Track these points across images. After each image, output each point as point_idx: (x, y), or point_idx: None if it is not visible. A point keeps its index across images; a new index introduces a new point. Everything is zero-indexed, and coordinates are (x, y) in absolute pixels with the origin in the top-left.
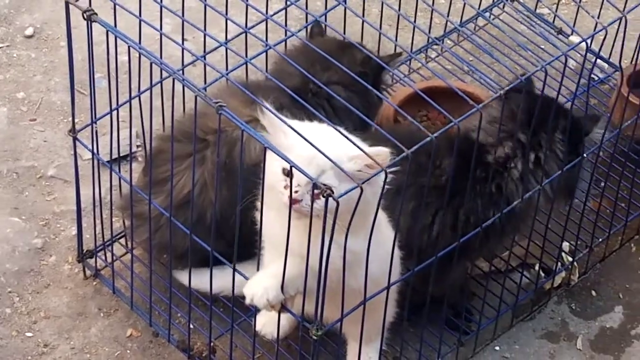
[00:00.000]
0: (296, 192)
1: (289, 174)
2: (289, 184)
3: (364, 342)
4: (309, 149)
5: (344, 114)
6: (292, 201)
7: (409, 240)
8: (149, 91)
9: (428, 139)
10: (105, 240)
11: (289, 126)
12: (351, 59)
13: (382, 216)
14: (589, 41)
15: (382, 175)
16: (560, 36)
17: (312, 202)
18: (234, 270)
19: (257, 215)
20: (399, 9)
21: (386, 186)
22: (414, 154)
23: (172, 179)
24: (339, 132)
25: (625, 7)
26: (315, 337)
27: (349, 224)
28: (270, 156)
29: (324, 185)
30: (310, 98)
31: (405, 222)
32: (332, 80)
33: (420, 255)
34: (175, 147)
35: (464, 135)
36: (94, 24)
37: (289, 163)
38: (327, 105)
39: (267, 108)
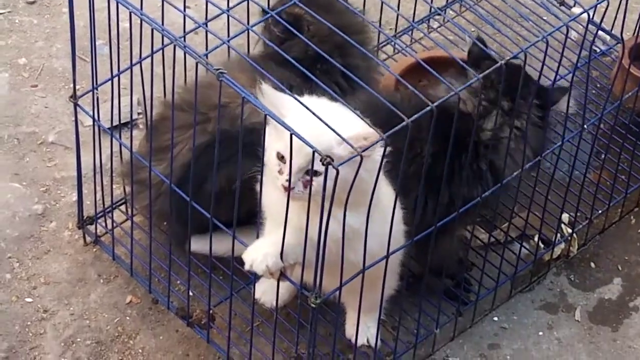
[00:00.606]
0: (287, 180)
1: (282, 158)
2: (282, 169)
3: (363, 312)
4: (303, 133)
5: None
6: (285, 188)
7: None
8: (150, 58)
9: (428, 108)
10: (106, 206)
11: (294, 100)
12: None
13: (387, 191)
14: (590, 12)
15: (378, 151)
16: (562, 7)
17: (310, 187)
18: (234, 237)
19: (258, 186)
20: None
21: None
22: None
23: (172, 147)
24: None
25: None
26: (314, 305)
27: (347, 198)
28: (267, 139)
29: (325, 155)
30: (320, 76)
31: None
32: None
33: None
34: (179, 115)
35: (447, 114)
36: None
37: (290, 131)
38: (342, 81)
39: (270, 80)
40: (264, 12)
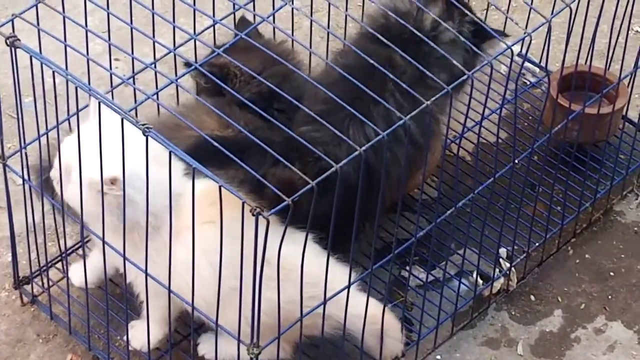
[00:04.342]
0: None
1: None
2: None
3: None
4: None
5: None
6: None
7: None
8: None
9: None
10: (41, 265)
11: None
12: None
13: None
14: (517, 47)
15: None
16: None
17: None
18: (169, 292)
19: None
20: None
21: None
22: None
23: (103, 208)
24: None
25: (552, 11)
26: (252, 357)
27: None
28: None
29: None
30: (278, 115)
31: None
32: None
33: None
34: None
35: None
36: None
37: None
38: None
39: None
40: (187, 65)
